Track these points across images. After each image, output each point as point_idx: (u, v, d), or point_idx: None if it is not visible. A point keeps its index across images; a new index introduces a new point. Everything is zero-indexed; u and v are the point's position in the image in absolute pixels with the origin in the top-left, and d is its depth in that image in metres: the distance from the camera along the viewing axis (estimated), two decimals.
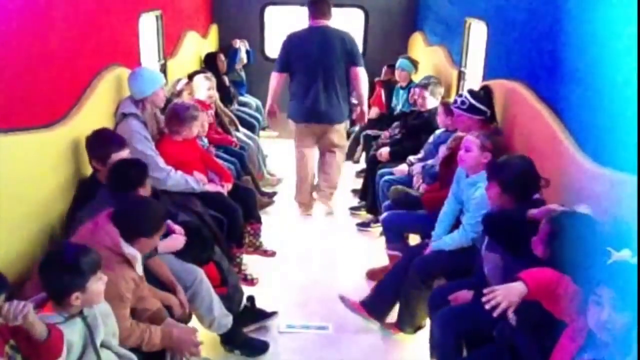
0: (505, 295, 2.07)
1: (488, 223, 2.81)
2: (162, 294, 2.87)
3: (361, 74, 5.12)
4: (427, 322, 3.51)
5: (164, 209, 2.78)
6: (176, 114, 4.07)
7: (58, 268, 2.11)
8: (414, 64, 6.27)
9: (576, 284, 2.06)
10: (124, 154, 3.26)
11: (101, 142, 3.27)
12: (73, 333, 2.13)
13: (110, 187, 3.00)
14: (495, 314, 2.06)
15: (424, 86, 5.29)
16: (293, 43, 5.13)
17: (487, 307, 2.06)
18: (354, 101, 5.50)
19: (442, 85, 5.36)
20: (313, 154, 5.46)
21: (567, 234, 2.26)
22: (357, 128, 6.64)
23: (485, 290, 2.11)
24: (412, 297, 3.55)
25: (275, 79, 5.23)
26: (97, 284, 2.17)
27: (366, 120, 5.65)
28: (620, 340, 1.84)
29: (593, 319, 1.88)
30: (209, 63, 6.58)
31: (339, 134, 5.36)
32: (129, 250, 2.53)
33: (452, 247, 3.45)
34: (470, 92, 3.98)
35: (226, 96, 6.39)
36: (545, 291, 2.10)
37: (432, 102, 5.23)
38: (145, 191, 3.01)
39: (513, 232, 2.61)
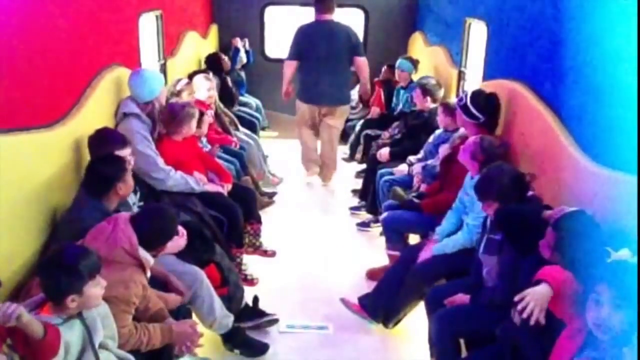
0: (537, 299, 2.08)
1: (502, 218, 2.80)
2: (160, 294, 2.87)
3: (364, 62, 5.83)
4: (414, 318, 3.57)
5: (178, 217, 2.86)
6: (173, 115, 4.06)
7: (56, 269, 2.10)
8: (414, 63, 6.26)
9: (578, 283, 2.07)
10: (126, 152, 3.26)
11: (103, 140, 3.28)
12: (71, 334, 2.12)
13: (87, 189, 2.97)
14: (532, 322, 2.06)
15: (419, 86, 5.33)
16: (304, 34, 5.73)
17: (524, 315, 2.07)
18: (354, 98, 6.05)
19: (441, 85, 5.36)
20: (312, 132, 6.12)
21: (572, 237, 2.27)
22: (357, 127, 6.64)
23: (516, 299, 2.12)
24: (409, 301, 3.57)
25: (290, 66, 5.82)
26: (95, 288, 2.16)
27: (369, 93, 6.31)
28: (619, 340, 1.84)
29: (592, 317, 1.89)
30: (212, 63, 6.57)
31: (342, 116, 6.05)
32: (145, 254, 2.57)
33: (455, 248, 3.44)
34: (475, 93, 3.93)
35: (228, 97, 6.40)
36: (562, 291, 2.10)
37: (429, 102, 5.24)
38: (125, 186, 3.00)
39: (525, 231, 2.61)
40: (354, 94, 7.31)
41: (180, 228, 3.15)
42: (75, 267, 2.10)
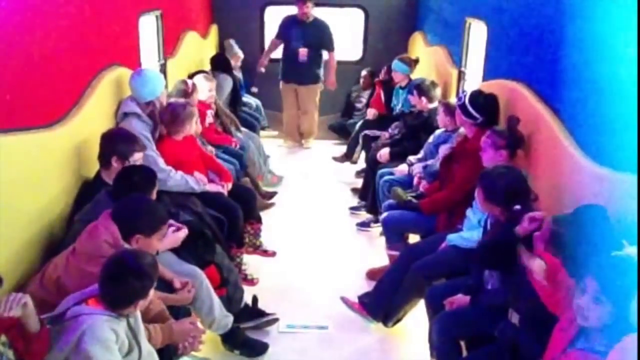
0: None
1: (482, 257, 2.84)
2: (162, 295, 2.87)
3: None
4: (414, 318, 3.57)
5: (164, 212, 2.77)
6: (175, 114, 4.05)
7: (132, 277, 2.18)
8: (409, 64, 6.17)
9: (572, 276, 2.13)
10: (141, 155, 3.31)
11: (125, 138, 3.29)
12: (121, 329, 2.21)
13: (112, 193, 2.95)
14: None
15: (414, 87, 5.34)
16: None
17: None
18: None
19: (437, 84, 5.34)
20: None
21: (571, 234, 2.29)
22: (357, 127, 6.63)
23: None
24: (408, 300, 3.57)
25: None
26: (152, 290, 2.29)
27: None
28: (611, 333, 1.89)
29: (575, 303, 1.98)
30: (220, 63, 6.51)
31: None
32: (128, 247, 2.54)
33: (467, 244, 3.41)
34: (473, 93, 3.93)
35: (236, 98, 6.41)
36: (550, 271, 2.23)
37: (425, 102, 5.24)
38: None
39: (508, 256, 2.59)
40: (365, 96, 7.29)
41: (183, 226, 3.16)
42: (147, 273, 2.21)
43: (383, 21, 7.64)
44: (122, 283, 2.17)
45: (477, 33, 5.07)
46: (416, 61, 6.20)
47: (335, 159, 6.72)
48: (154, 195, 3.02)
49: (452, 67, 5.57)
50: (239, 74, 7.30)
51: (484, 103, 3.85)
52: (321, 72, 7.10)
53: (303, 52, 6.88)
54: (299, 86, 7.14)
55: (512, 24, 4.05)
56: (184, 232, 3.10)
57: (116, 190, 2.93)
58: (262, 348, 3.49)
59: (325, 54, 7.10)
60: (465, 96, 3.90)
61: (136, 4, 4.62)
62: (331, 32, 6.97)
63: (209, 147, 4.81)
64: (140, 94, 3.89)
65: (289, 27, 6.94)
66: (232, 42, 7.34)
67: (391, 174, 4.85)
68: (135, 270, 2.19)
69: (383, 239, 4.34)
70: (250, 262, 4.43)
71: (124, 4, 4.36)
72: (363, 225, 5.25)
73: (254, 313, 3.69)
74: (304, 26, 6.86)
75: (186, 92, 4.76)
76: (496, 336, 2.63)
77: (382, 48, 7.48)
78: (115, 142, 3.27)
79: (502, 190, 2.86)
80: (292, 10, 7.05)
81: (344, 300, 3.99)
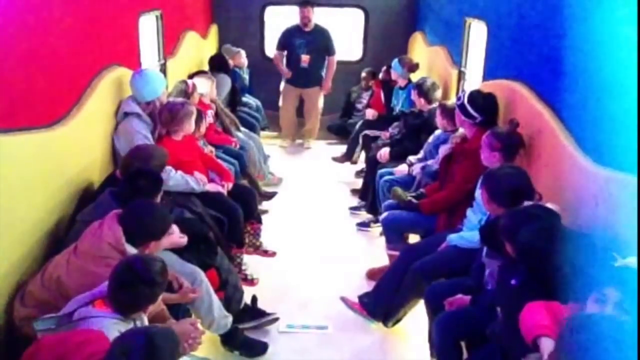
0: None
1: (484, 234, 2.83)
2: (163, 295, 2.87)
3: None
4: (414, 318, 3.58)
5: (169, 213, 2.81)
6: (173, 114, 4.04)
7: (144, 285, 2.20)
8: (404, 65, 6.10)
9: (574, 286, 2.07)
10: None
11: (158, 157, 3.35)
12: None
13: (117, 195, 2.96)
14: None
15: (415, 87, 5.34)
16: None
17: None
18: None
19: (438, 85, 5.34)
20: None
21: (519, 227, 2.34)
22: (357, 127, 6.62)
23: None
24: (408, 300, 3.57)
25: None
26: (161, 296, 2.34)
27: None
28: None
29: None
30: (218, 64, 6.48)
31: None
32: (131, 250, 2.55)
33: (467, 244, 3.40)
34: (472, 93, 3.93)
35: (235, 98, 6.40)
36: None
37: (424, 103, 5.24)
38: None
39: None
40: (365, 97, 7.28)
41: (175, 227, 3.15)
42: (157, 280, 2.23)
43: (383, 21, 7.64)
44: (133, 290, 2.19)
45: (477, 33, 5.08)
46: (416, 66, 6.19)
47: (335, 159, 6.70)
48: (158, 199, 3.04)
49: (452, 67, 5.56)
50: (246, 75, 7.29)
51: (483, 103, 3.86)
52: (324, 74, 7.24)
53: (305, 59, 7.07)
54: (303, 89, 7.27)
55: (512, 24, 4.05)
56: (184, 240, 3.10)
57: (122, 193, 2.94)
58: (262, 348, 3.49)
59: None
60: (464, 96, 3.91)
61: (136, 4, 4.62)
62: (331, 37, 7.12)
63: (209, 147, 4.81)
64: (142, 94, 3.90)
65: (291, 36, 7.09)
66: (228, 46, 7.34)
67: (391, 174, 4.84)
68: (145, 277, 2.21)
69: (383, 239, 4.33)
70: (250, 263, 4.43)
71: (124, 4, 4.36)
72: (363, 225, 5.25)
73: (253, 313, 3.69)
74: (306, 34, 7.03)
75: (186, 92, 4.77)
76: (487, 335, 2.62)
77: (382, 48, 7.48)
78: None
79: (506, 190, 2.87)
80: (292, 10, 7.07)
81: (344, 300, 3.99)
